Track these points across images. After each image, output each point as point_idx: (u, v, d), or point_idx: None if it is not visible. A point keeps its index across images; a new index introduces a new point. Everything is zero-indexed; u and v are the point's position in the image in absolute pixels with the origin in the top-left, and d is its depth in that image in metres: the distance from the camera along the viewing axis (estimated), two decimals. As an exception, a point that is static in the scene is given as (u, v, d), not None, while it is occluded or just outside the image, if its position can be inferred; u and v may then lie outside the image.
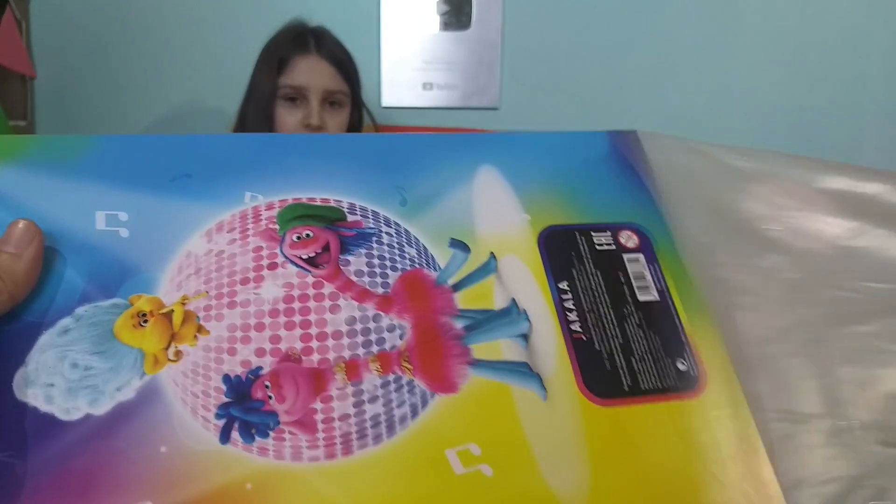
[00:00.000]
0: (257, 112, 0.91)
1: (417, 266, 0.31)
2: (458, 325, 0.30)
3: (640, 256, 0.34)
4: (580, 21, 1.32)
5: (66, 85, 1.35)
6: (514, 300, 0.31)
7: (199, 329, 0.28)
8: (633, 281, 0.33)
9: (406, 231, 0.32)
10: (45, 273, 0.28)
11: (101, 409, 0.26)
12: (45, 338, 0.27)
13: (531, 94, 1.34)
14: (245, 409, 0.27)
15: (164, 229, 0.30)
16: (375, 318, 0.30)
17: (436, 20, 1.31)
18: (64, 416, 0.26)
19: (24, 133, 1.31)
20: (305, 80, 0.92)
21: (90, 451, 0.25)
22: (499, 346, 0.30)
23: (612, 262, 0.34)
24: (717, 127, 1.34)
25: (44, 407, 0.26)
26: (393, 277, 0.31)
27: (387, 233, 0.32)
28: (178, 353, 0.28)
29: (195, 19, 1.33)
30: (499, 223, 0.33)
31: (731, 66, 1.32)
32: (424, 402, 0.28)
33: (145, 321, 0.28)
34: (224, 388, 0.27)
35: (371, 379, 0.28)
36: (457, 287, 0.31)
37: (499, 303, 0.31)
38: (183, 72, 1.34)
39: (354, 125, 1.01)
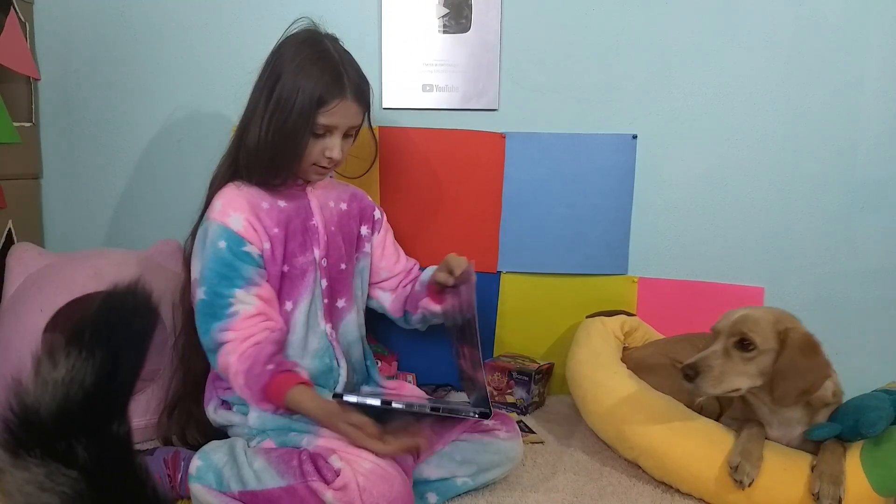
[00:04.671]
0: (288, 140, 0.97)
1: None
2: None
3: None
4: (577, 23, 1.34)
5: (70, 87, 1.36)
6: None
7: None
8: None
9: None
10: None
11: None
12: None
13: (530, 95, 1.36)
14: None
15: None
16: None
17: (436, 23, 1.33)
18: None
19: (29, 134, 1.32)
20: (339, 121, 0.99)
21: None
22: None
23: None
24: (713, 127, 1.36)
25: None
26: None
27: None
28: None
29: (198, 22, 1.35)
30: None
31: (727, 66, 1.34)
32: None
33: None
34: None
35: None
36: None
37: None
38: (186, 74, 1.36)
39: None
